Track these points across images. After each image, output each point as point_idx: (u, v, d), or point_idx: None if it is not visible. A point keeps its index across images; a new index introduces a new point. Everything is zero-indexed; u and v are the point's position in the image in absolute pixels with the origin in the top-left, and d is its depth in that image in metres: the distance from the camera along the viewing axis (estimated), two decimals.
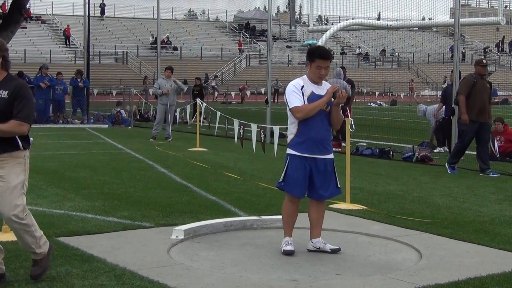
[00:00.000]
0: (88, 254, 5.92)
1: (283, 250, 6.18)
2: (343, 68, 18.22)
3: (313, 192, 6.24)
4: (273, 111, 18.12)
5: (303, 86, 6.12)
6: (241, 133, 13.15)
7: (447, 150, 14.94)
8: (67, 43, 53.10)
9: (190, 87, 27.96)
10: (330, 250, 6.24)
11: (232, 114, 16.62)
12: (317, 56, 6.09)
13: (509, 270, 5.64)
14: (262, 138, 12.87)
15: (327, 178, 6.19)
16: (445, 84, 53.63)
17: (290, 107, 6.10)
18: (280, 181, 6.24)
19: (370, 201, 8.89)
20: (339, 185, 6.32)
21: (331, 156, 6.21)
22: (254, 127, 12.60)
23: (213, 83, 48.89)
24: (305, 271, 5.69)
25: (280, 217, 6.46)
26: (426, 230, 7.14)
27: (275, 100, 40.85)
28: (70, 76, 25.62)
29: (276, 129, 11.84)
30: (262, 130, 12.96)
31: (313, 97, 6.07)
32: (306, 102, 6.05)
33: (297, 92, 6.08)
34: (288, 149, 6.22)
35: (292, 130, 6.18)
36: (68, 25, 52.65)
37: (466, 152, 14.44)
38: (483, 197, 9.49)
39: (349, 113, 9.12)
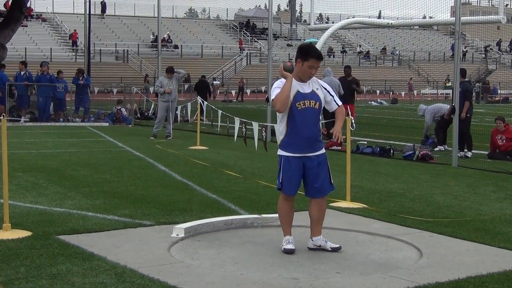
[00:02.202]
0: (88, 252, 5.92)
1: (284, 248, 6.19)
2: (348, 67, 18.01)
3: (308, 190, 6.27)
4: (273, 109, 18.08)
5: None
6: (244, 132, 13.13)
7: (448, 148, 14.94)
8: (74, 46, 52.81)
9: (191, 86, 27.96)
10: (330, 249, 6.24)
11: (233, 113, 16.63)
12: (313, 56, 6.12)
13: (510, 269, 5.64)
14: (264, 137, 12.87)
15: (321, 175, 6.21)
16: (449, 83, 53.19)
17: (271, 100, 6.21)
18: (279, 182, 6.27)
19: (371, 200, 8.89)
20: (332, 182, 6.35)
21: (322, 151, 6.25)
22: (255, 126, 12.57)
23: (215, 82, 48.73)
24: (305, 269, 5.69)
25: None
26: (427, 229, 7.14)
27: None
28: (71, 74, 25.59)
29: (277, 127, 11.82)
30: (264, 128, 12.95)
31: (298, 97, 6.11)
32: (291, 99, 6.10)
33: (279, 88, 6.16)
34: (279, 150, 6.25)
35: (281, 130, 6.22)
36: (75, 30, 52.24)
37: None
38: (483, 196, 9.49)
39: (350, 111, 9.14)
